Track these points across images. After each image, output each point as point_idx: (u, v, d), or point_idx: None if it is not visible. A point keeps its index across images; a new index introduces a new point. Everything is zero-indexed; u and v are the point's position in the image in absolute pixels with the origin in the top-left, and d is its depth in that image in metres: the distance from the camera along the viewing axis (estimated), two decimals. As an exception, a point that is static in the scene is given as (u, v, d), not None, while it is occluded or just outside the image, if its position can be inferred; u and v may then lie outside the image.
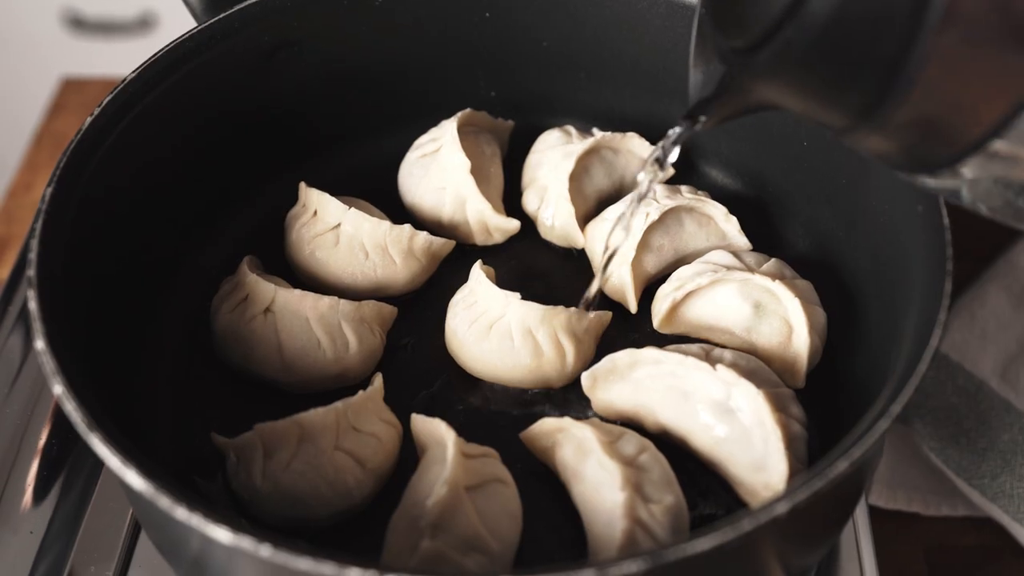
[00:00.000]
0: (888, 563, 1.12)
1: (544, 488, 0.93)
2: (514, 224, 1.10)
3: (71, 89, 1.73)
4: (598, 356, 0.99)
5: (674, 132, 0.89)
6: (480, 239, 1.11)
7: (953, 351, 1.26)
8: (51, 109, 1.70)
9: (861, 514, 1.05)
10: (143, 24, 2.61)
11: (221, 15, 1.06)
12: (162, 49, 1.02)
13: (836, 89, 0.70)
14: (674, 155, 0.91)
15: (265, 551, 0.68)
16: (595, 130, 1.15)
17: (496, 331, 0.99)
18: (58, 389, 0.76)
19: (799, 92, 0.74)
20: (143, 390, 0.97)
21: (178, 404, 0.98)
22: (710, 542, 0.69)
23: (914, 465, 1.21)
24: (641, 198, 0.95)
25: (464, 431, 0.94)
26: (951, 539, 1.19)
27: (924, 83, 0.64)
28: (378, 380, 0.95)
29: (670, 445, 0.94)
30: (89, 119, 0.95)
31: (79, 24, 2.63)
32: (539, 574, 0.68)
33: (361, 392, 0.93)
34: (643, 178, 0.93)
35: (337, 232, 1.05)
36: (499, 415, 0.98)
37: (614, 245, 0.97)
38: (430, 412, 0.96)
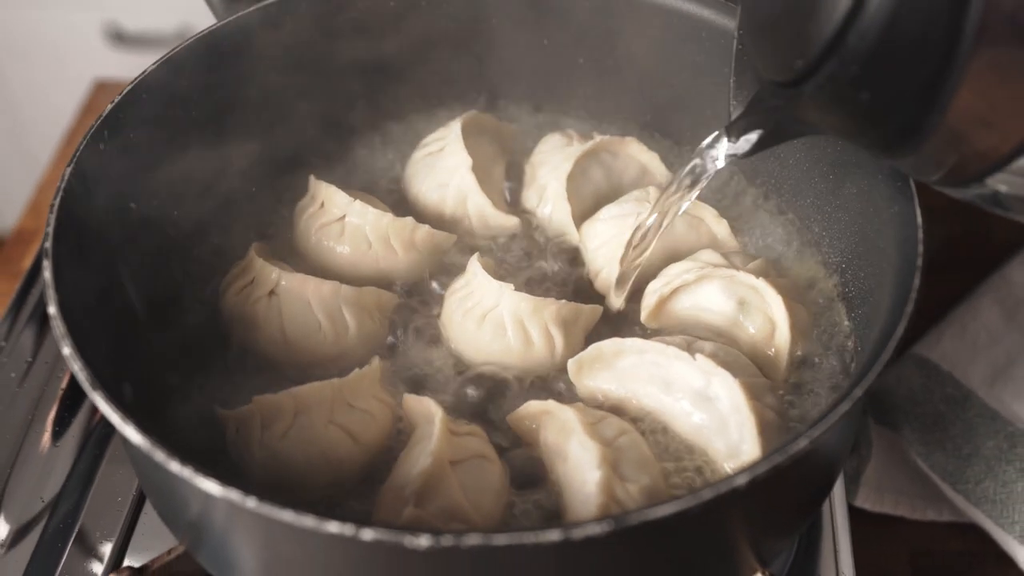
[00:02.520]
0: (873, 566, 1.14)
1: (528, 469, 0.97)
2: (513, 221, 1.14)
3: (104, 91, 1.80)
4: (584, 349, 1.03)
5: (713, 159, 0.94)
6: (480, 234, 1.15)
7: (943, 360, 1.29)
8: (84, 110, 1.77)
9: (840, 515, 1.08)
10: (182, 37, 2.68)
11: (239, 13, 1.11)
12: (182, 43, 1.08)
13: (878, 115, 0.76)
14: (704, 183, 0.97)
15: (251, 503, 0.72)
16: (595, 134, 1.19)
17: (490, 320, 1.03)
18: (66, 351, 0.81)
19: (842, 120, 0.81)
20: (149, 365, 1.01)
21: (183, 380, 1.02)
22: (671, 508, 0.72)
23: (902, 470, 1.24)
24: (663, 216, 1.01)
25: (454, 413, 0.98)
26: (936, 544, 1.22)
27: (958, 104, 0.70)
28: (375, 361, 1.00)
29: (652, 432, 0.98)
30: (110, 106, 1.00)
31: (120, 37, 2.70)
32: (508, 532, 0.71)
33: (357, 370, 0.97)
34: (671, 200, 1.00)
35: (343, 223, 1.10)
36: (488, 399, 1.02)
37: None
38: (423, 394, 1.00)
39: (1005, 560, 1.18)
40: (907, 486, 1.23)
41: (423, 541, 0.70)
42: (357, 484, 0.95)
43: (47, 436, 1.14)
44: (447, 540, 0.71)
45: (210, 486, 0.73)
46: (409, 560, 0.75)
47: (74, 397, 1.17)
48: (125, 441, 0.92)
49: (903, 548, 1.21)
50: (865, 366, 0.80)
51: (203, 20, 2.74)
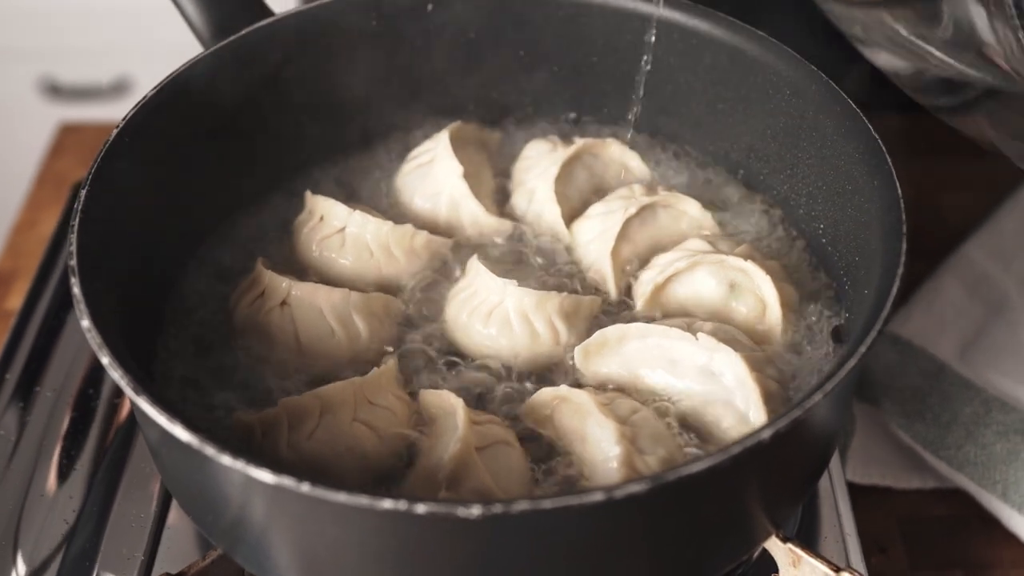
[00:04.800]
0: (865, 534, 1.19)
1: (544, 456, 1.00)
2: (506, 224, 1.19)
3: (69, 132, 1.81)
4: (588, 337, 1.07)
5: None
6: (474, 239, 1.19)
7: (915, 336, 1.35)
8: (51, 152, 1.79)
9: (838, 480, 1.14)
10: (118, 89, 2.69)
11: (224, 41, 1.15)
12: (176, 70, 1.11)
13: None
14: None
15: (305, 487, 0.76)
16: (576, 138, 1.25)
17: (495, 317, 1.07)
18: (106, 360, 0.84)
19: None
20: (164, 379, 1.04)
21: (197, 391, 1.04)
22: (704, 464, 0.77)
23: (885, 442, 1.30)
24: None
25: (469, 406, 1.01)
26: (922, 510, 1.27)
27: None
28: (391, 360, 1.04)
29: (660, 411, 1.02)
30: (115, 131, 1.02)
31: (55, 91, 2.71)
32: (553, 497, 0.75)
33: (375, 369, 1.00)
34: None
35: (343, 234, 1.13)
36: (499, 391, 1.05)
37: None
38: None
39: (990, 521, 1.23)
40: (891, 457, 1.29)
41: (475, 510, 0.74)
42: (380, 478, 0.98)
43: (53, 475, 1.16)
44: (497, 508, 0.75)
45: (263, 475, 0.76)
46: (458, 531, 0.79)
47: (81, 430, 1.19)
48: (159, 448, 0.94)
49: (891, 516, 1.26)
50: (868, 323, 0.86)
51: (141, 71, 2.76)
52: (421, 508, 0.74)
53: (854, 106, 1.05)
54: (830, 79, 1.08)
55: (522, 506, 0.75)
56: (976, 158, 1.65)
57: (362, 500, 0.75)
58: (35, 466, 1.15)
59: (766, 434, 0.79)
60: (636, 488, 0.75)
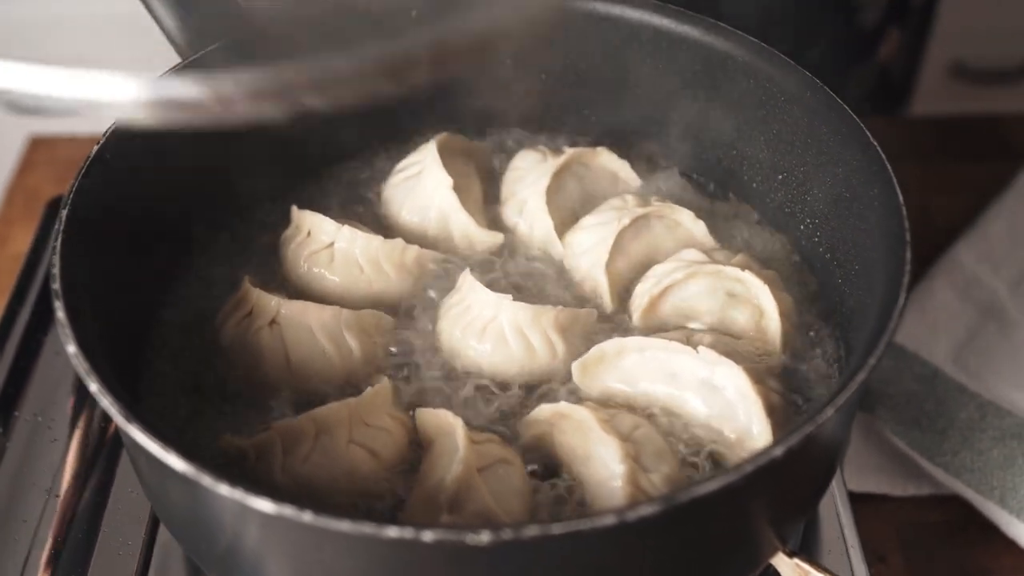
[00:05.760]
0: (864, 541, 1.18)
1: (544, 474, 0.98)
2: (498, 237, 1.16)
3: (40, 146, 1.77)
4: (585, 351, 1.05)
5: None
6: (464, 252, 1.17)
7: (908, 342, 1.34)
8: (21, 167, 1.74)
9: (840, 492, 1.12)
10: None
11: (204, 51, 1.12)
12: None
13: None
14: None
15: (307, 516, 0.73)
16: (566, 148, 1.23)
17: (490, 332, 1.04)
18: (94, 387, 0.81)
19: None
20: (150, 403, 1.01)
21: (185, 414, 1.01)
22: (718, 483, 0.75)
23: (880, 450, 1.29)
24: None
25: (466, 424, 0.99)
26: (920, 516, 1.27)
27: None
28: (385, 380, 1.01)
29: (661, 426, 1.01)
30: (96, 147, 1.00)
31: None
32: (564, 521, 0.73)
33: (369, 389, 0.98)
34: None
35: (331, 250, 1.11)
36: (496, 408, 1.03)
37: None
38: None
39: (988, 527, 1.23)
40: (887, 464, 1.28)
41: (484, 537, 0.72)
42: (377, 500, 0.96)
43: (34, 502, 1.12)
44: (507, 534, 0.72)
45: (263, 504, 0.74)
46: (465, 558, 0.77)
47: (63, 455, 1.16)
48: (150, 476, 0.91)
49: (890, 523, 1.25)
50: (875, 334, 0.84)
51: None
52: (428, 536, 0.72)
53: (851, 113, 1.03)
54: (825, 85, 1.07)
55: (532, 531, 0.73)
56: (963, 161, 1.66)
57: (366, 528, 0.73)
58: (17, 494, 1.11)
59: (778, 451, 0.77)
60: (648, 510, 0.74)
